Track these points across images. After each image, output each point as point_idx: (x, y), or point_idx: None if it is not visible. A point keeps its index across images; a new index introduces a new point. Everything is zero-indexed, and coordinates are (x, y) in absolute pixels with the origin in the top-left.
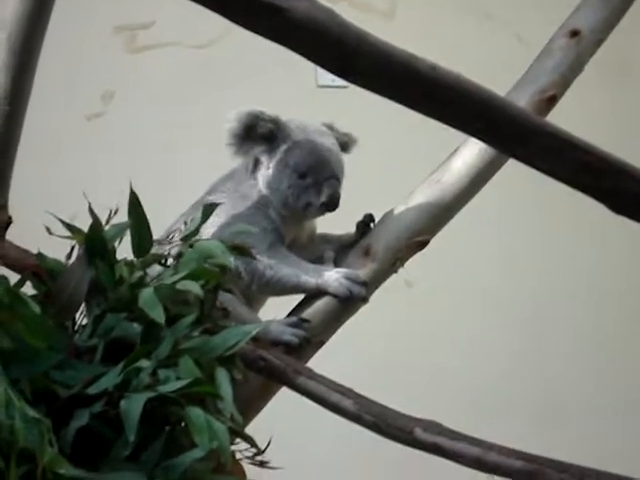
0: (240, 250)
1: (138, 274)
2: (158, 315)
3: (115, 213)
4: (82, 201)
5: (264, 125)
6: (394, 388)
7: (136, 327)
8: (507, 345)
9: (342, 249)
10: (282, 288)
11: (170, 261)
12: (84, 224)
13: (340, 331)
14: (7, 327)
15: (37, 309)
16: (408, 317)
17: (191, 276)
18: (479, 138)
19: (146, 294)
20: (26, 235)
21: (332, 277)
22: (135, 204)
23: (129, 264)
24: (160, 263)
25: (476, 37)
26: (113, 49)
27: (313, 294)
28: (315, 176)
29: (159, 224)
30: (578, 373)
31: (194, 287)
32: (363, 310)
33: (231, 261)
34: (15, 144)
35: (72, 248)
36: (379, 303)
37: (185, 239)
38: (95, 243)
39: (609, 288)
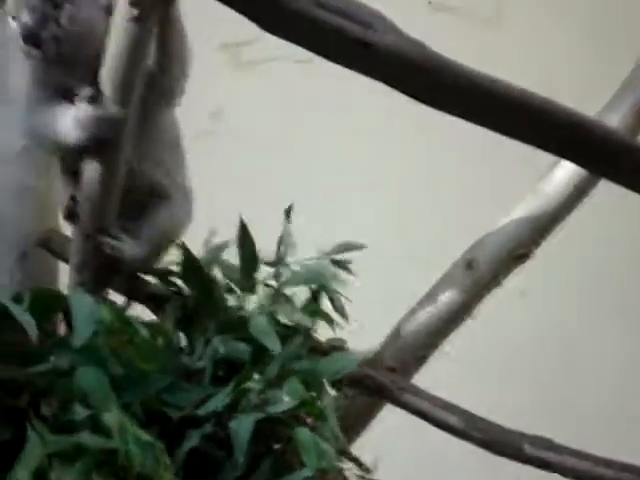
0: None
1: (245, 298)
2: (274, 344)
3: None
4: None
5: None
6: (503, 402)
7: (243, 347)
8: (626, 356)
9: None
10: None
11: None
12: None
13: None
14: (118, 352)
15: (146, 333)
16: (522, 327)
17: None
18: (567, 159)
19: (260, 323)
20: None
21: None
22: (245, 234)
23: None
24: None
25: None
26: (219, 66)
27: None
28: None
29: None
30: None
31: (306, 322)
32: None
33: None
34: (119, 174)
35: None
36: (492, 313)
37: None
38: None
39: None
